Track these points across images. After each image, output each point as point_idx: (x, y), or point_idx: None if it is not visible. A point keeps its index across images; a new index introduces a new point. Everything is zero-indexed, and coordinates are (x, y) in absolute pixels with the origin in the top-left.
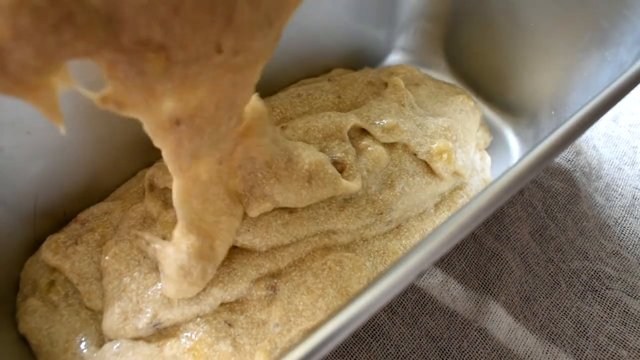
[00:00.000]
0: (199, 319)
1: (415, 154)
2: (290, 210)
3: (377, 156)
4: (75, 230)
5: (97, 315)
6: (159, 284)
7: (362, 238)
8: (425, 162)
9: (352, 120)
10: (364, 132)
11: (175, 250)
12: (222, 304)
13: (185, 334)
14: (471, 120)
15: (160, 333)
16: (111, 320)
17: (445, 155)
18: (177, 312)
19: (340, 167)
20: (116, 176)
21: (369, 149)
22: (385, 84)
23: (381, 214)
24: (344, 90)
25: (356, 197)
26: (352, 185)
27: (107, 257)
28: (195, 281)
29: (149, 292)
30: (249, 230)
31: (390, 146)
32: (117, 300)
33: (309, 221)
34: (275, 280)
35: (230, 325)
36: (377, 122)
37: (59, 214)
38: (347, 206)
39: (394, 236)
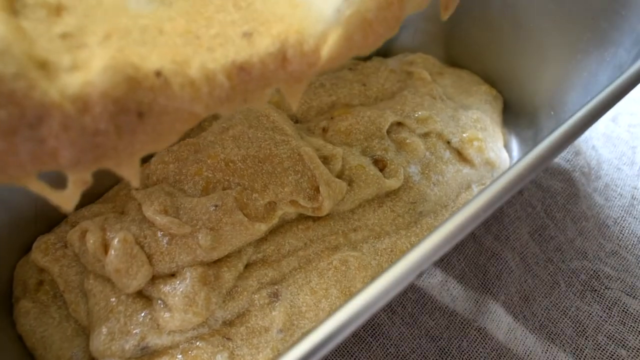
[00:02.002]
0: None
1: (448, 142)
2: (315, 217)
3: (415, 147)
4: (66, 232)
5: (84, 329)
6: (145, 311)
7: (377, 235)
8: (458, 151)
9: (390, 118)
10: (399, 124)
11: (178, 280)
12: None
13: (180, 352)
14: (496, 112)
15: (152, 353)
16: (98, 340)
17: (476, 143)
18: (166, 338)
19: (381, 164)
20: (114, 177)
21: (407, 141)
22: (408, 73)
23: (414, 203)
24: (367, 79)
25: (396, 189)
26: (394, 182)
27: (90, 280)
28: (200, 310)
29: (140, 315)
30: (266, 239)
31: (424, 136)
32: (105, 321)
33: (338, 222)
34: (277, 287)
35: (228, 339)
36: (411, 115)
37: (59, 215)
38: (387, 201)
39: (405, 233)
